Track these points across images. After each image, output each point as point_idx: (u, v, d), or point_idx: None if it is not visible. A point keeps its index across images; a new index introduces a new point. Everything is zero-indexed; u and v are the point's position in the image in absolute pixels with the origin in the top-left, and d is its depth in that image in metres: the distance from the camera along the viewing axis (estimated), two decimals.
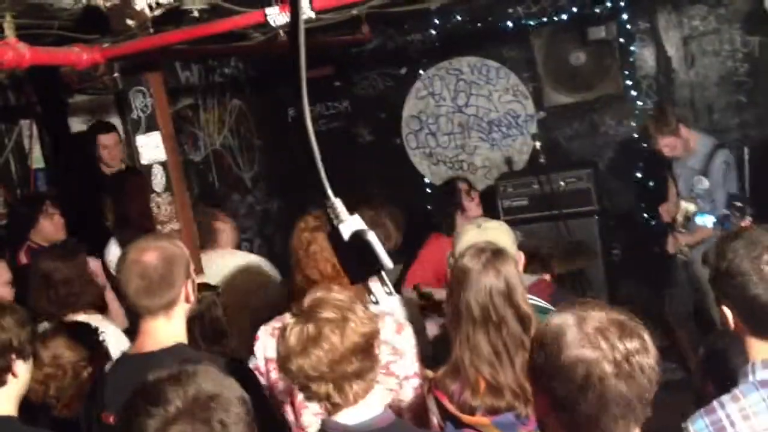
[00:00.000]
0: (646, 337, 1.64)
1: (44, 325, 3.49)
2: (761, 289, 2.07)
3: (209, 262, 4.09)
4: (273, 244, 7.38)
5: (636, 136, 6.68)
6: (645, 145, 6.58)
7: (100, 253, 4.67)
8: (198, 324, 3.05)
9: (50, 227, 4.80)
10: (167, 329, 2.45)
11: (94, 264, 4.24)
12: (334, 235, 2.05)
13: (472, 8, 6.86)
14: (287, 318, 2.13)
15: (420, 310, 4.03)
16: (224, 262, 4.32)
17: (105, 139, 5.49)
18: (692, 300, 5.56)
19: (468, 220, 5.28)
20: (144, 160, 4.02)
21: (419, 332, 2.92)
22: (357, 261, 1.94)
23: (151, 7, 3.61)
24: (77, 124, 5.89)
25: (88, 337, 3.09)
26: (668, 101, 6.51)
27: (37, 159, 5.52)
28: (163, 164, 3.99)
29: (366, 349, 2.10)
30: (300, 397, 2.71)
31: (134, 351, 2.49)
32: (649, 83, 6.71)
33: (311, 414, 2.65)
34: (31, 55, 3.00)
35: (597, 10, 6.56)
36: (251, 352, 2.87)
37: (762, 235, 2.15)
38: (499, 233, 2.97)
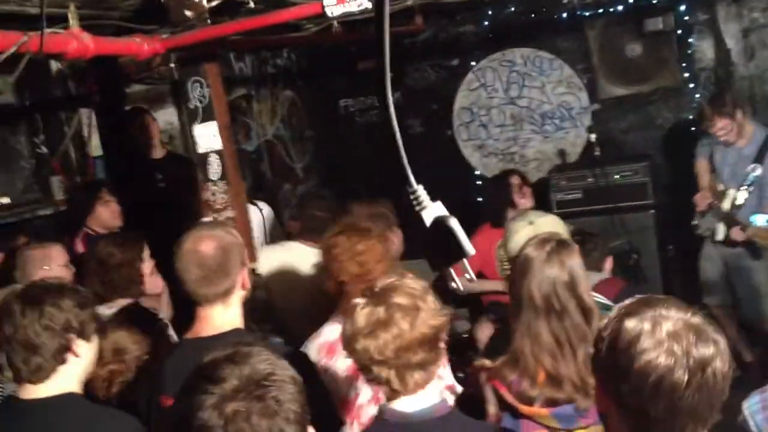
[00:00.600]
0: (721, 341, 1.58)
1: (98, 309, 3.57)
2: None
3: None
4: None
5: (693, 129, 6.55)
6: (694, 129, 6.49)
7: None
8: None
9: (107, 214, 4.88)
10: (224, 315, 2.50)
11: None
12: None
13: None
14: (357, 299, 2.15)
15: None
16: (275, 253, 4.40)
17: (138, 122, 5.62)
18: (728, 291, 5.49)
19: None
20: (200, 149, 4.07)
21: None
22: (439, 247, 1.94)
23: None
24: None
25: (150, 326, 3.14)
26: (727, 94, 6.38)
27: (95, 147, 5.62)
28: (219, 153, 4.04)
29: (433, 341, 2.11)
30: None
31: (192, 336, 2.54)
32: (708, 76, 6.58)
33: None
34: (95, 45, 3.05)
35: (654, 2, 6.45)
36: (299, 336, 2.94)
37: None
38: (552, 228, 2.95)
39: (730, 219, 5.27)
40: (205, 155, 4.08)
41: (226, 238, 2.52)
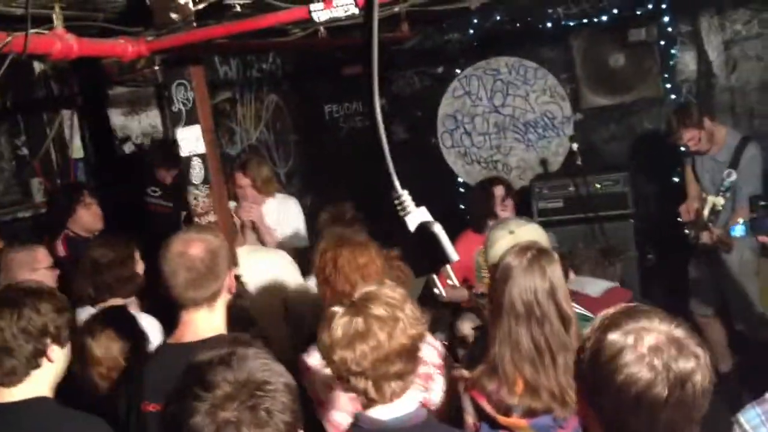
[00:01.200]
0: (702, 354, 1.58)
1: (87, 310, 3.56)
2: None
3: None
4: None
5: None
6: (683, 148, 6.52)
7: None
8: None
9: (88, 217, 4.86)
10: (208, 320, 2.49)
11: None
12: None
13: (512, 8, 6.83)
14: (335, 307, 2.14)
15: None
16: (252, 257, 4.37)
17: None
18: (718, 299, 5.52)
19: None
20: (183, 153, 4.05)
21: None
22: (422, 253, 1.94)
23: (194, 1, 3.64)
24: (117, 116, 5.96)
25: (133, 329, 3.13)
26: (708, 105, 6.43)
27: (77, 149, 5.59)
28: (201, 157, 4.02)
29: (411, 352, 2.10)
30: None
31: (174, 341, 2.52)
32: (689, 87, 6.64)
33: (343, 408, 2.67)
34: (79, 47, 3.03)
35: (638, 13, 6.51)
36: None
37: None
38: (534, 238, 2.95)
39: (706, 226, 5.30)
40: (188, 159, 4.06)
41: (214, 242, 2.51)
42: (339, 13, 3.12)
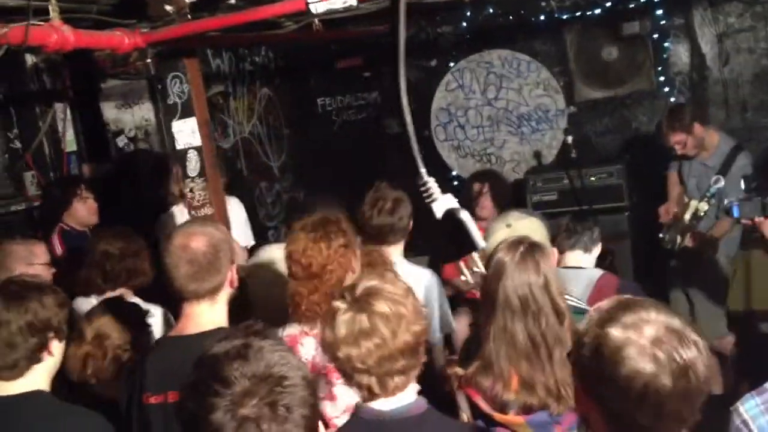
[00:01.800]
0: (700, 341, 1.59)
1: (91, 301, 3.56)
2: None
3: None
4: None
5: None
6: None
7: None
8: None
9: (83, 210, 4.85)
10: (210, 314, 2.48)
11: None
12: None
13: (505, 1, 6.82)
14: (337, 302, 2.13)
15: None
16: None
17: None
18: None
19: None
20: (179, 145, 4.04)
21: None
22: (449, 240, 1.94)
23: None
24: (110, 109, 5.94)
25: (135, 320, 3.12)
26: (701, 98, 6.46)
27: (69, 142, 5.57)
28: (197, 149, 4.01)
29: (414, 348, 2.10)
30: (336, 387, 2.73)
31: (175, 333, 2.51)
32: (683, 80, 6.64)
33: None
34: (75, 38, 3.02)
35: (631, 6, 6.51)
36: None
37: None
38: (529, 233, 2.95)
39: (688, 230, 5.28)
40: (184, 152, 4.05)
41: (216, 235, 2.50)
42: (337, 4, 3.12)
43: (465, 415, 2.65)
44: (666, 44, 6.58)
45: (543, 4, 6.83)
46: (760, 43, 6.34)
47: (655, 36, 6.55)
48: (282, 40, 6.39)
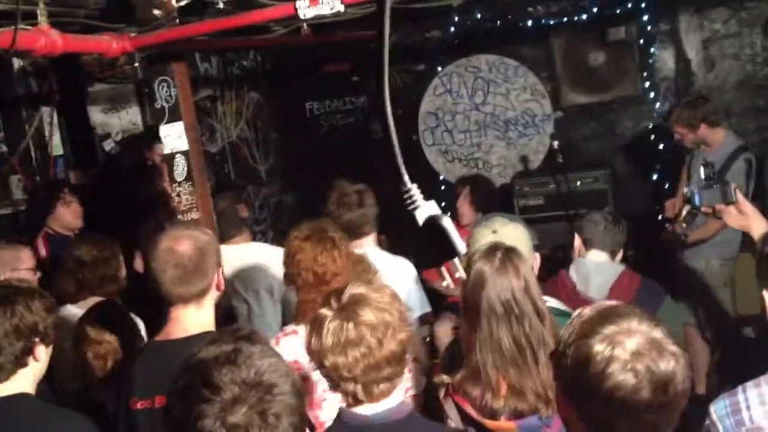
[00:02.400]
0: (681, 354, 1.61)
1: (67, 309, 3.54)
2: None
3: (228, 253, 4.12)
4: (287, 237, 7.40)
5: (653, 138, 6.68)
6: (661, 146, 6.59)
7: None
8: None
9: (68, 215, 4.83)
10: (196, 317, 2.48)
11: None
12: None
13: (493, 6, 6.86)
14: (323, 310, 2.13)
15: None
16: (242, 253, 4.36)
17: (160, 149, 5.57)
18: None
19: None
20: (166, 150, 4.04)
21: None
22: (431, 247, 1.94)
23: None
24: (96, 113, 5.92)
25: (124, 325, 3.12)
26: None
27: (56, 146, 5.54)
28: (184, 154, 4.01)
29: (400, 356, 2.11)
30: (319, 391, 2.74)
31: (162, 338, 2.51)
32: (668, 86, 6.70)
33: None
34: (63, 43, 3.01)
35: (617, 11, 6.56)
36: None
37: None
38: (515, 240, 2.96)
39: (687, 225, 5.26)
40: (171, 156, 4.05)
41: (202, 239, 2.50)
42: (325, 10, 3.13)
43: (453, 424, 2.65)
44: (652, 50, 6.64)
45: (530, 9, 6.88)
46: (745, 49, 6.40)
47: (641, 42, 6.61)
48: (270, 45, 6.39)
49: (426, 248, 2.01)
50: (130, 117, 6.13)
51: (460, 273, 2.16)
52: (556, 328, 2.50)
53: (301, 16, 3.10)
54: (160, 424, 2.36)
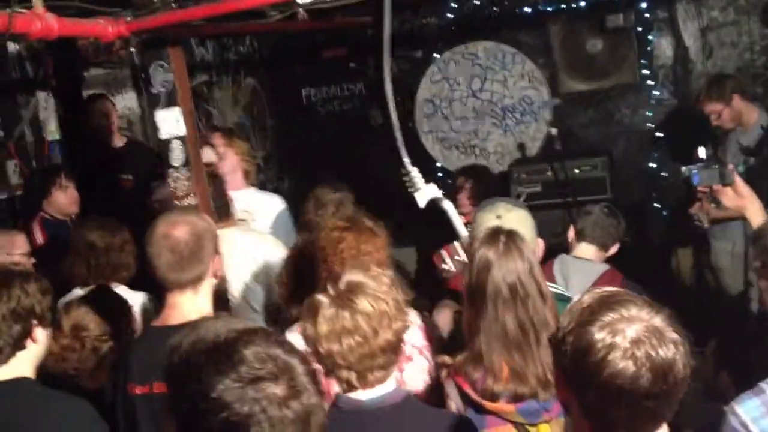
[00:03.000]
0: (680, 341, 1.60)
1: (77, 292, 3.54)
2: None
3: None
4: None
5: (651, 125, 6.67)
6: (660, 134, 6.58)
7: None
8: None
9: (64, 199, 4.82)
10: (194, 303, 2.48)
11: None
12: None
13: None
14: (319, 296, 2.13)
15: None
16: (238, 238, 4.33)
17: (101, 106, 5.54)
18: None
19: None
20: (163, 135, 4.01)
21: None
22: (432, 229, 1.95)
23: None
24: None
25: (116, 310, 3.11)
26: (685, 91, 6.49)
27: (51, 131, 5.52)
28: (182, 139, 3.99)
29: (395, 345, 2.12)
30: None
31: (160, 323, 2.51)
32: (666, 73, 6.68)
33: None
34: (59, 27, 2.98)
35: None
36: None
37: None
38: (519, 225, 2.96)
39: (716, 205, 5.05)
40: (168, 141, 4.02)
41: (199, 224, 2.50)
42: None
43: (453, 404, 2.66)
44: (650, 37, 6.62)
45: None
46: (743, 36, 6.38)
47: (639, 29, 6.58)
48: (267, 30, 6.36)
49: (427, 231, 2.01)
50: (126, 102, 6.11)
51: (461, 255, 2.16)
52: (556, 313, 2.51)
53: (299, 1, 3.09)
54: (158, 409, 2.37)
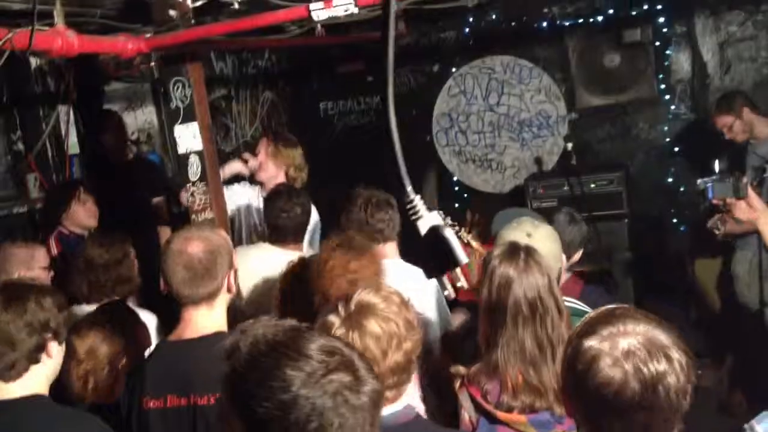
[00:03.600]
0: (676, 356, 1.60)
1: (82, 308, 3.56)
2: None
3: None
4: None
5: (668, 140, 6.65)
6: (677, 149, 6.56)
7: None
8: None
9: (83, 213, 4.84)
10: (208, 318, 2.49)
11: None
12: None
13: (507, 7, 6.85)
14: (331, 317, 2.14)
15: None
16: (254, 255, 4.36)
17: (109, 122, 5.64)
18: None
19: None
20: (181, 150, 4.06)
21: None
22: (433, 256, 1.96)
23: None
24: None
25: (127, 325, 3.11)
26: (702, 106, 6.47)
27: (72, 145, 5.57)
28: (199, 154, 4.03)
29: (405, 366, 2.12)
30: None
31: (174, 338, 2.53)
32: (684, 88, 6.67)
33: None
34: (80, 44, 3.03)
35: (633, 13, 6.53)
36: None
37: None
38: (548, 241, 2.96)
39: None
40: (186, 156, 4.07)
41: (214, 240, 2.51)
42: (339, 12, 3.14)
43: (467, 414, 2.67)
44: (667, 52, 6.61)
45: (545, 10, 6.87)
46: (761, 51, 6.37)
47: (657, 44, 6.58)
48: (285, 45, 6.41)
49: (428, 257, 2.03)
50: (146, 116, 6.16)
51: (462, 282, 2.17)
52: (571, 326, 2.51)
53: (315, 18, 3.12)
54: (172, 423, 2.39)
